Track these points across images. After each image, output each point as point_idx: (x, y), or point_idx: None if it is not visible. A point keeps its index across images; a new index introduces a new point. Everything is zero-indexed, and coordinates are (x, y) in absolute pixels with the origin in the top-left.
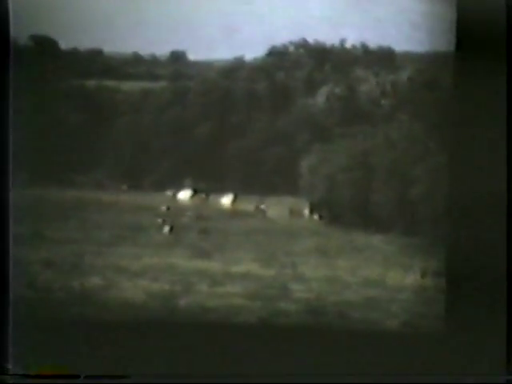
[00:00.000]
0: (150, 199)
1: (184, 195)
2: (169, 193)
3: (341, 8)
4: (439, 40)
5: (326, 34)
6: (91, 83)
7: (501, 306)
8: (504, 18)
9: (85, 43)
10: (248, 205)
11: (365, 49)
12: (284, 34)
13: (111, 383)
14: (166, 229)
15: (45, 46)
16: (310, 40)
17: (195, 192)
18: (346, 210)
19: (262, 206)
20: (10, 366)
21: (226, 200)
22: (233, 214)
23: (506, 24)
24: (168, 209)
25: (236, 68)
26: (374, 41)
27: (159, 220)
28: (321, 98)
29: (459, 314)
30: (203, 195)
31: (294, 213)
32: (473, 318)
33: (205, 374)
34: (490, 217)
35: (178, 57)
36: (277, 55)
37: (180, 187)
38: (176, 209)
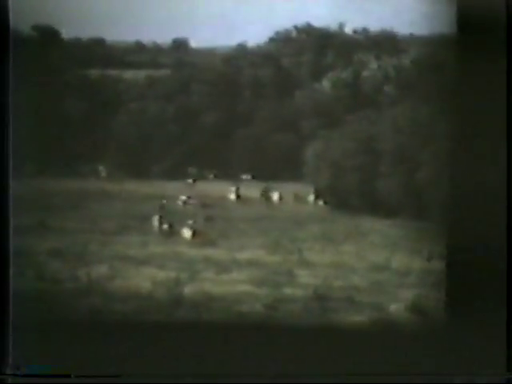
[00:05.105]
0: (156, 188)
1: (275, 196)
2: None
3: None
4: (442, 22)
5: (328, 18)
6: (94, 72)
7: (501, 297)
8: (503, 2)
9: (87, 32)
10: (254, 192)
11: (366, 33)
12: (286, 19)
13: (103, 383)
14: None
15: (47, 35)
16: (314, 24)
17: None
18: (351, 196)
19: (269, 193)
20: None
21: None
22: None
23: (505, 8)
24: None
25: (239, 55)
26: (376, 24)
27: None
28: (326, 83)
29: (459, 301)
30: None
31: (300, 199)
32: (473, 305)
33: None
34: (492, 203)
35: (180, 45)
36: (280, 41)
37: (184, 176)
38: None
